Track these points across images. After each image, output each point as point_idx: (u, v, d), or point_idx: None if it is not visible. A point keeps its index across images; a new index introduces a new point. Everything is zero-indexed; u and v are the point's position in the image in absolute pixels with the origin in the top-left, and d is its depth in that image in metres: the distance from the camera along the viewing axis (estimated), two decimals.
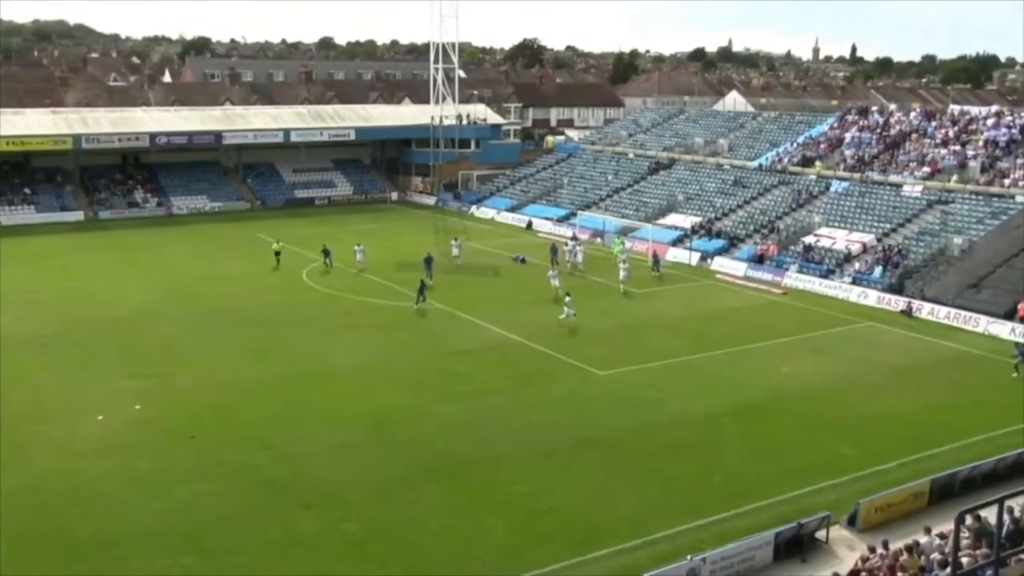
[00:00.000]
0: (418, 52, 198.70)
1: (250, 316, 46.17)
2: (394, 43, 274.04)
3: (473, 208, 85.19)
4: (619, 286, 52.04)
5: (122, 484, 27.08)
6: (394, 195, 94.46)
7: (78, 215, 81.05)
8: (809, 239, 59.84)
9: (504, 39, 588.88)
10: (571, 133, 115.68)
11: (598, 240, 68.32)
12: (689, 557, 21.58)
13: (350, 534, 24.35)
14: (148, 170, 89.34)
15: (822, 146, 73.73)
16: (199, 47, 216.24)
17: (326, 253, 57.78)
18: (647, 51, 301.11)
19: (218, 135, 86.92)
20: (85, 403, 33.54)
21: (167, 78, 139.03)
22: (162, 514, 25.24)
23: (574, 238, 62.45)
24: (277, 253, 57.58)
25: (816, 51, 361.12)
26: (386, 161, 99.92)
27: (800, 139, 77.00)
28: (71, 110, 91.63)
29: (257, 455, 29.15)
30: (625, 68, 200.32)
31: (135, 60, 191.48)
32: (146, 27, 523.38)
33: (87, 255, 64.06)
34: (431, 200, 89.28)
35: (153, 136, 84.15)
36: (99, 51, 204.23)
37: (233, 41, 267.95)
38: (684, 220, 68.31)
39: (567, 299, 45.03)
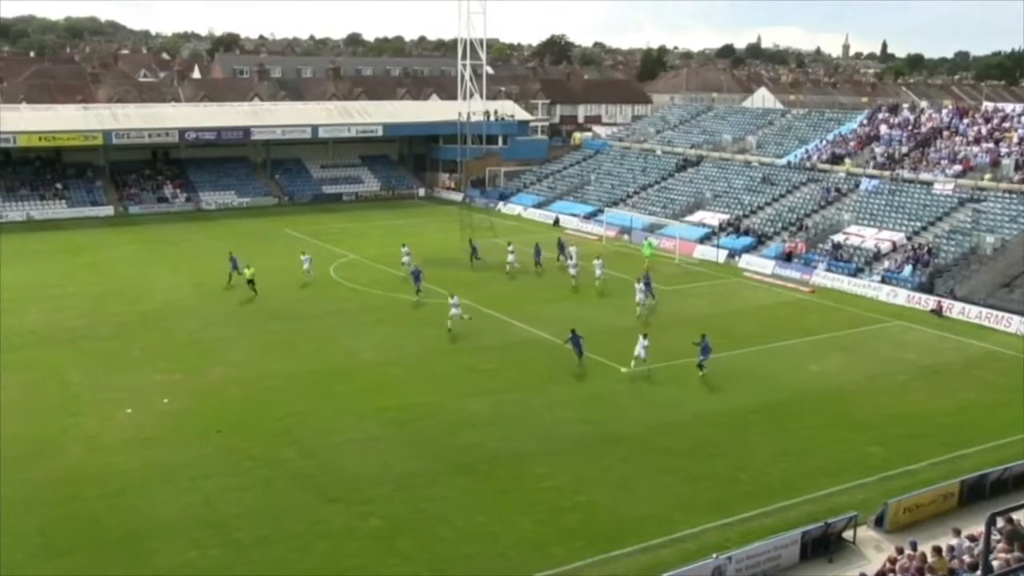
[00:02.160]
0: (446, 48, 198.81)
1: (278, 311, 46.42)
2: (422, 39, 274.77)
3: (500, 204, 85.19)
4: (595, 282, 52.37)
5: (151, 477, 27.34)
6: (421, 191, 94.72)
7: (108, 210, 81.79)
8: (838, 237, 59.36)
9: (531, 36, 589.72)
10: (599, 130, 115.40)
11: (625, 237, 68.14)
12: (715, 555, 21.48)
13: (375, 528, 24.43)
14: (177, 165, 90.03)
15: (852, 143, 73.12)
16: (228, 43, 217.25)
17: (234, 263, 52.28)
18: (675, 48, 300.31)
19: (246, 131, 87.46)
20: (114, 397, 33.86)
21: (196, 74, 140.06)
22: (190, 507, 25.45)
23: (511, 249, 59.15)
24: (250, 281, 49.51)
25: (846, 48, 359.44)
26: (413, 157, 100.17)
27: (829, 136, 76.41)
28: (102, 106, 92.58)
29: (284, 449, 29.31)
30: (653, 65, 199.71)
31: (165, 56, 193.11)
32: (176, 24, 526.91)
33: (117, 250, 64.64)
34: (458, 196, 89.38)
35: (182, 132, 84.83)
36: (130, 48, 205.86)
37: (262, 37, 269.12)
38: (712, 217, 68.01)
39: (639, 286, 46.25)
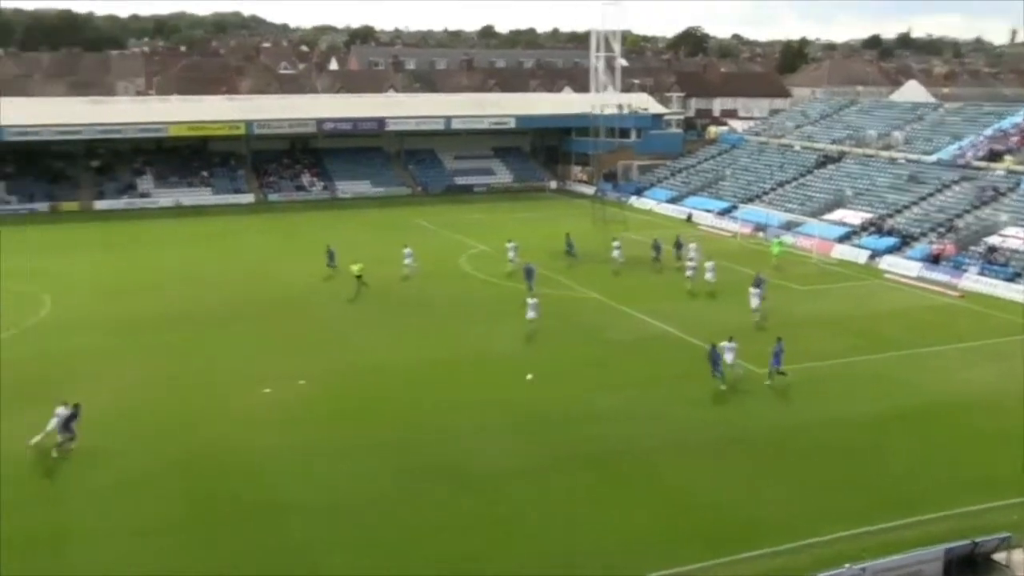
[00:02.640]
0: (579, 40, 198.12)
1: (409, 299, 47.14)
2: (555, 31, 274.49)
3: (632, 198, 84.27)
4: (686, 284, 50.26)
5: (286, 456, 28.07)
6: (553, 184, 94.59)
7: (249, 197, 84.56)
8: (994, 239, 56.25)
9: (667, 27, 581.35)
10: (735, 124, 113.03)
11: (760, 234, 66.43)
12: (848, 565, 20.61)
13: (502, 517, 24.43)
14: (315, 155, 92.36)
15: (1014, 139, 68.99)
16: (364, 36, 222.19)
17: (330, 256, 52.80)
18: (817, 39, 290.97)
19: (381, 121, 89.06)
20: (254, 377, 34.85)
21: (333, 66, 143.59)
22: (323, 487, 26.02)
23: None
24: (358, 276, 48.56)
25: (1014, 32, 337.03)
26: (545, 149, 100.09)
27: (988, 131, 72.42)
28: (244, 97, 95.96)
29: (415, 435, 29.60)
30: (793, 57, 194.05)
31: (304, 49, 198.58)
32: (314, 17, 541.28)
33: (257, 236, 66.76)
34: (590, 190, 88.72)
35: (320, 122, 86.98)
36: (271, 41, 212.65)
37: (397, 30, 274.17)
38: (853, 216, 65.61)
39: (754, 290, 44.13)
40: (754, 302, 43.91)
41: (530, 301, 41.86)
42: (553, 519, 24.33)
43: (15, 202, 79.34)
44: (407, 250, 52.96)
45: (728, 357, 34.63)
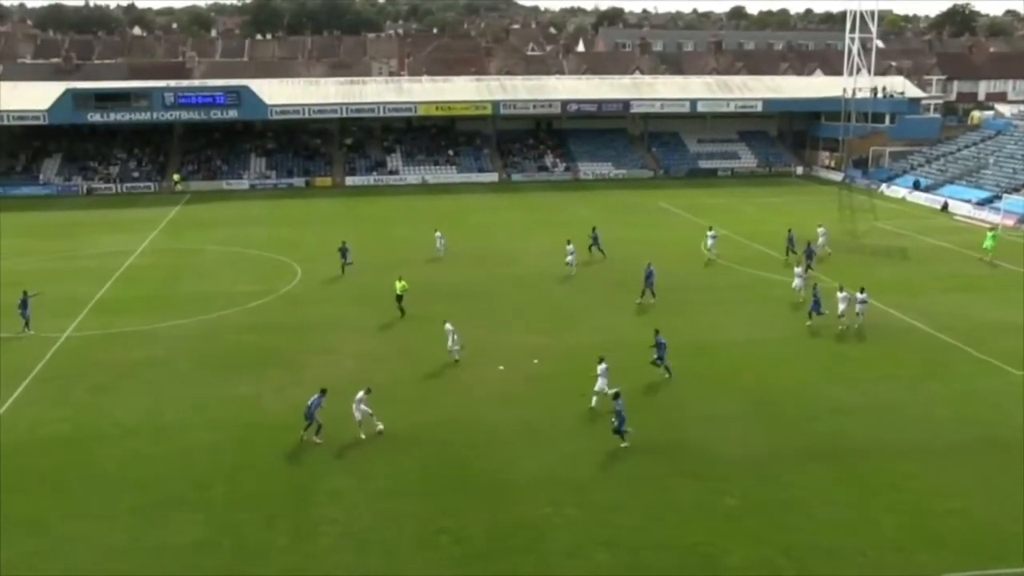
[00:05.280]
0: (833, 21, 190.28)
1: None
2: (808, 12, 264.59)
3: (883, 186, 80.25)
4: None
5: (515, 432, 28.79)
6: (799, 169, 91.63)
7: (492, 176, 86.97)
8: None
9: (929, 6, 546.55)
10: (1002, 108, 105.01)
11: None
12: None
13: (729, 508, 24.03)
14: (558, 136, 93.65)
15: None
16: (612, 18, 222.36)
17: (343, 253, 49.45)
18: None
19: (626, 103, 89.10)
20: (489, 353, 35.86)
21: (580, 47, 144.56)
22: (549, 464, 26.49)
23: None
24: (399, 296, 41.32)
25: None
26: (793, 134, 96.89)
27: None
28: (492, 78, 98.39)
29: (642, 419, 29.41)
30: None
31: (552, 31, 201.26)
32: (563, 0, 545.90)
33: (498, 214, 68.55)
34: (838, 176, 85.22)
35: (564, 103, 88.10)
36: (520, 22, 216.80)
37: (645, 12, 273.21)
38: None
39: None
40: (842, 307, 38.72)
41: (798, 270, 42.82)
42: (782, 513, 23.72)
43: (274, 177, 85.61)
44: (438, 233, 53.39)
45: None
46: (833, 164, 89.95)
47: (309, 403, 27.94)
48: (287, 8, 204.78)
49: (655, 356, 33.26)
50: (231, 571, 21.45)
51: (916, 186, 77.90)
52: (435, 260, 52.12)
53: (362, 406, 28.10)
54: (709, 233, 53.22)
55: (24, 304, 38.86)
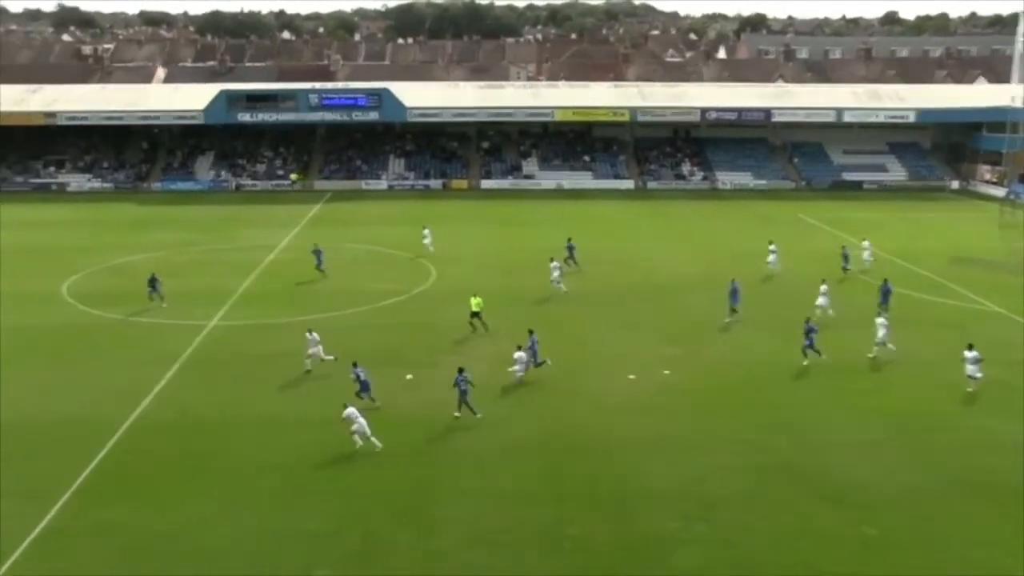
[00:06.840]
0: (1002, 24, 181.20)
1: (782, 297, 45.14)
2: (972, 15, 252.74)
3: None
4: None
5: (645, 444, 28.02)
6: (954, 183, 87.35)
7: (628, 183, 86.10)
8: None
9: None
10: None
11: None
12: None
13: (869, 538, 22.60)
14: (696, 144, 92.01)
15: None
16: (755, 24, 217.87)
17: (318, 257, 49.34)
18: None
19: (767, 112, 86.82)
20: (620, 362, 35.22)
21: (721, 54, 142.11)
22: (679, 479, 25.60)
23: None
24: (475, 313, 39.28)
25: None
26: (948, 146, 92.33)
27: None
28: (630, 84, 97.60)
29: (778, 438, 28.35)
30: None
31: (692, 37, 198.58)
32: (704, 5, 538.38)
33: (634, 222, 67.72)
34: (1000, 191, 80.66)
35: (703, 111, 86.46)
36: (659, 29, 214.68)
37: (790, 18, 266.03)
38: None
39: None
40: (881, 333, 35.87)
41: (879, 320, 36.93)
42: (927, 549, 22.18)
43: (412, 178, 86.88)
44: (425, 230, 55.37)
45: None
46: (995, 179, 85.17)
47: (456, 380, 29.24)
48: (429, 12, 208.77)
49: (805, 342, 34.47)
50: (358, 562, 21.63)
51: None
52: (567, 268, 51.54)
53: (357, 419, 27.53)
54: (770, 247, 50.70)
55: (153, 283, 43.60)
